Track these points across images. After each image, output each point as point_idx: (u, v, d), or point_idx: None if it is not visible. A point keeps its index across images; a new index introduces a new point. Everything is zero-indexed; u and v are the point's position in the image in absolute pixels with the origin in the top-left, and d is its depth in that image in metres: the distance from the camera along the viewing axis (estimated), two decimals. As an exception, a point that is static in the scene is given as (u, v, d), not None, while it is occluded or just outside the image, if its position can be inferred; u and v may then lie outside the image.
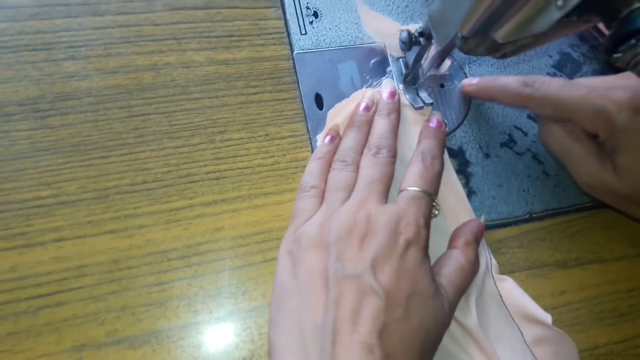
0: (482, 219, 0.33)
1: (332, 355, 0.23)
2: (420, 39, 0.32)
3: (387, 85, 0.35)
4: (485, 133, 0.37)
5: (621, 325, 0.33)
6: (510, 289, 0.31)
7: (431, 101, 0.35)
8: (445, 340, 0.28)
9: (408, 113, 0.35)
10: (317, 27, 0.38)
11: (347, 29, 0.38)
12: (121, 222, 0.30)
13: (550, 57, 0.41)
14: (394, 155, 0.31)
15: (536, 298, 0.31)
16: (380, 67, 0.37)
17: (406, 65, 0.36)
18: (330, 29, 0.38)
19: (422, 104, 0.35)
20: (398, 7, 0.40)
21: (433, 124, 0.33)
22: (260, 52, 0.36)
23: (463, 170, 0.36)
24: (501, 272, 0.32)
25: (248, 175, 0.33)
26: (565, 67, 0.41)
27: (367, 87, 0.36)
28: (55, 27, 0.34)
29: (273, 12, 0.38)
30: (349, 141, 0.32)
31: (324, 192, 0.30)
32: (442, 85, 0.38)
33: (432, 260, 0.29)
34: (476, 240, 0.31)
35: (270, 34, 0.37)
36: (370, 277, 0.24)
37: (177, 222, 0.31)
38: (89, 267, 0.29)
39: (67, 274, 0.29)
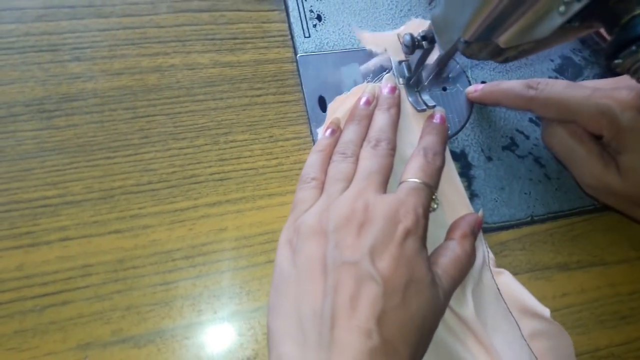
0: (480, 213, 0.33)
1: (331, 340, 0.23)
2: (423, 42, 0.33)
3: (388, 81, 0.35)
4: (488, 136, 0.37)
5: (622, 328, 0.33)
6: (508, 282, 0.31)
7: (434, 104, 0.35)
8: (443, 332, 0.28)
9: (408, 108, 0.35)
10: (320, 30, 0.38)
11: (350, 32, 0.38)
12: (126, 222, 0.31)
13: (552, 61, 0.41)
14: (393, 148, 0.31)
15: (538, 300, 0.31)
16: (383, 71, 0.37)
17: (409, 68, 0.36)
18: (333, 32, 0.38)
19: (424, 107, 0.35)
20: (401, 10, 0.40)
21: (436, 120, 0.33)
22: (264, 55, 0.37)
23: (465, 173, 0.36)
24: (503, 274, 0.33)
25: (252, 177, 0.33)
26: (567, 72, 0.41)
27: (367, 82, 0.36)
28: (60, 28, 0.34)
29: (277, 15, 0.38)
30: (349, 134, 0.32)
31: (324, 183, 0.30)
32: (444, 89, 0.38)
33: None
34: (473, 233, 0.31)
35: (274, 36, 0.37)
36: (369, 263, 0.24)
37: (182, 223, 0.31)
38: (95, 267, 0.29)
39: (72, 273, 0.29)
